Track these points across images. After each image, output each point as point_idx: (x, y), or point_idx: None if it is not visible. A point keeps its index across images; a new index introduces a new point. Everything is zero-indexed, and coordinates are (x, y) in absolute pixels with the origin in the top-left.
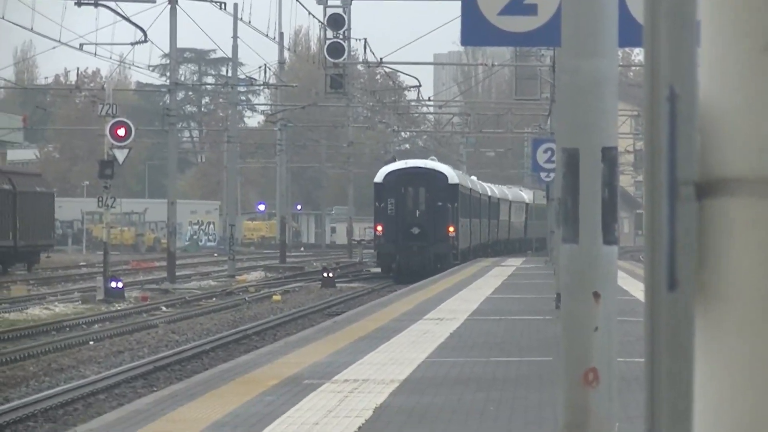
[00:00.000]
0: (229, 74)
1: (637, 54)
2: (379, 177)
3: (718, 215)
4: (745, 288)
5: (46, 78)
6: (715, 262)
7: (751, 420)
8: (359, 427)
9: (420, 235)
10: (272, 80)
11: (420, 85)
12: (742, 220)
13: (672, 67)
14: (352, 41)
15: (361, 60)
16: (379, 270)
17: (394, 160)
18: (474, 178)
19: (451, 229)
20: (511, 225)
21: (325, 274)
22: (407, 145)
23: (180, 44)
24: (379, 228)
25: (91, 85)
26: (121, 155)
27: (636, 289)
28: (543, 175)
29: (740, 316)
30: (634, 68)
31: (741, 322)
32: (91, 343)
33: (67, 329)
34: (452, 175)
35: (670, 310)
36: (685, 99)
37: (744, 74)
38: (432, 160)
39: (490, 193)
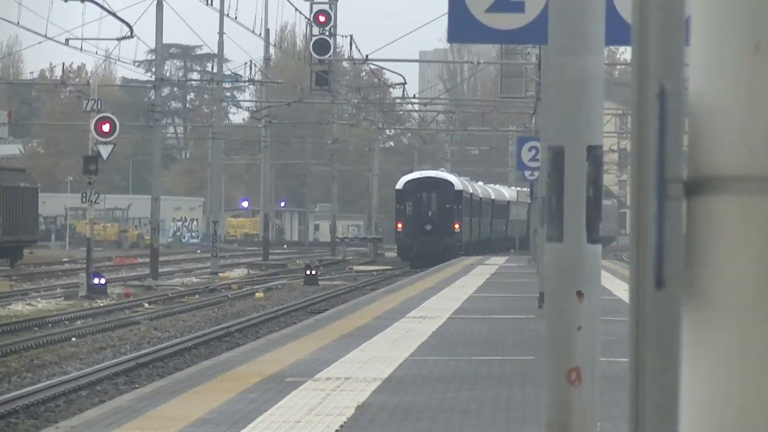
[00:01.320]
0: (215, 70)
1: (623, 52)
2: (399, 184)
3: (706, 213)
4: (734, 286)
5: (31, 73)
6: (703, 261)
7: (739, 418)
8: (341, 426)
9: (432, 230)
10: (258, 77)
11: (405, 83)
12: (731, 218)
13: (661, 64)
14: (338, 38)
15: (346, 57)
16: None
17: (411, 171)
18: (480, 183)
19: (457, 226)
20: (517, 223)
21: (307, 272)
22: (392, 143)
23: (166, 40)
24: (400, 225)
25: (77, 80)
26: (105, 151)
27: (619, 288)
28: (527, 173)
29: (728, 314)
30: (619, 67)
31: (729, 320)
32: (74, 339)
33: (50, 325)
34: (457, 183)
35: (657, 308)
36: (674, 97)
37: (734, 73)
38: (442, 171)
39: (493, 196)
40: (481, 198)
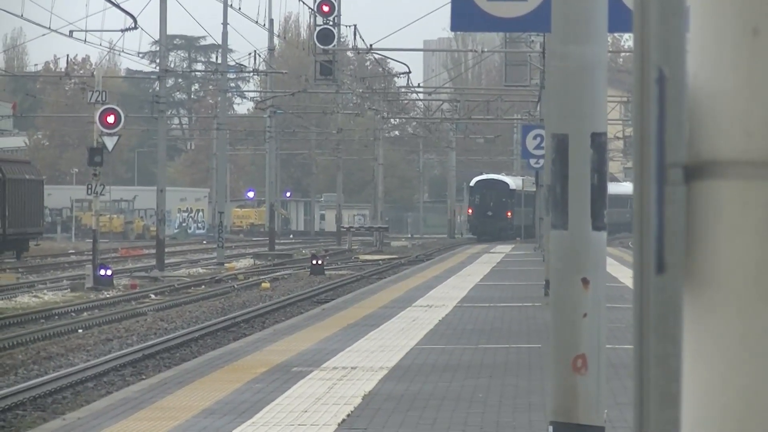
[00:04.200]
0: (219, 61)
1: (627, 40)
2: (472, 182)
3: (706, 198)
4: (734, 271)
5: (36, 65)
6: (703, 246)
7: (742, 403)
8: (348, 415)
9: (492, 216)
10: (262, 67)
11: (409, 72)
12: (731, 202)
13: (661, 49)
14: (342, 27)
15: (350, 46)
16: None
17: (482, 174)
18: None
19: (509, 214)
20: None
21: (314, 261)
22: (396, 132)
23: (170, 31)
24: (470, 210)
25: (81, 72)
26: (110, 142)
27: (625, 275)
28: (532, 161)
29: (729, 299)
30: (623, 54)
31: (729, 305)
32: (80, 331)
33: (56, 317)
34: (512, 183)
35: (658, 293)
36: (674, 81)
37: (733, 57)
38: (504, 174)
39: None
40: (528, 192)
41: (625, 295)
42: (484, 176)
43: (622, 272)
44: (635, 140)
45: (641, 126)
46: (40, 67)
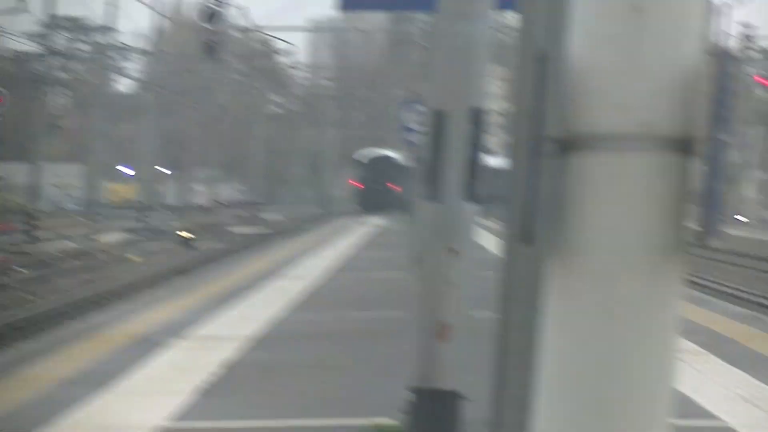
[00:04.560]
0: (105, 42)
1: (512, 18)
2: (364, 159)
3: (580, 171)
4: (600, 240)
5: None
6: (574, 217)
7: (600, 368)
8: (210, 384)
9: (381, 190)
10: (146, 46)
11: (294, 50)
12: (602, 174)
13: (544, 27)
14: (229, 6)
15: (236, 25)
16: None
17: (365, 149)
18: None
19: (399, 188)
20: None
21: (185, 235)
22: (278, 109)
23: (56, 11)
24: (360, 185)
25: None
26: None
27: (496, 245)
28: (411, 136)
29: (594, 268)
30: (507, 32)
31: (594, 274)
32: None
33: None
34: (399, 158)
35: (524, 263)
36: (553, 58)
37: (614, 34)
38: (389, 150)
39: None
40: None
41: (494, 264)
42: (376, 152)
43: (493, 242)
44: (512, 114)
45: (519, 100)
46: None
